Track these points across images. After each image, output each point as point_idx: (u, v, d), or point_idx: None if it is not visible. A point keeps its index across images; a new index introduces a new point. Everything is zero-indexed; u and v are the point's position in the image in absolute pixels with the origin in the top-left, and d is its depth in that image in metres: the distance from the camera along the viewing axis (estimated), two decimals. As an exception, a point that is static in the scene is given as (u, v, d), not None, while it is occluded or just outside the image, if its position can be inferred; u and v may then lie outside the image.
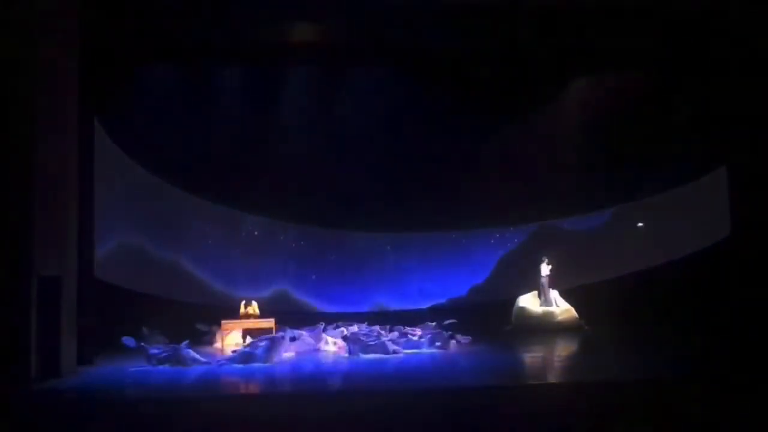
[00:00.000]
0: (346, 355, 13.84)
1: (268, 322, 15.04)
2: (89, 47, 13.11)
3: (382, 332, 15.39)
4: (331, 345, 14.84)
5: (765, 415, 8.52)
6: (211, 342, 15.67)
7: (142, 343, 13.72)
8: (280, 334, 14.37)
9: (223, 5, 14.91)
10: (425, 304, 19.10)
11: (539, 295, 18.50)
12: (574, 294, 18.51)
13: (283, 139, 18.31)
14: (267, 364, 12.75)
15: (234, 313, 15.64)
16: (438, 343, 14.65)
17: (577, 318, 18.05)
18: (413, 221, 19.13)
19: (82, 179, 12.85)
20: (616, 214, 19.61)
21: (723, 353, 13.18)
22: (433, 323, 16.48)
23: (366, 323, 16.33)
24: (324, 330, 15.47)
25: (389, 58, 18.00)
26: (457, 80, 18.34)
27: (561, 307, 18.26)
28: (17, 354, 10.97)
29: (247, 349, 13.40)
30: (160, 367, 12.58)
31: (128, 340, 13.98)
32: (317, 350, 14.69)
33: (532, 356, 14.09)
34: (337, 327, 15.71)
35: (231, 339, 15.08)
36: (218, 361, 13.07)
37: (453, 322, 16.46)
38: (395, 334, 15.44)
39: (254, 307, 15.60)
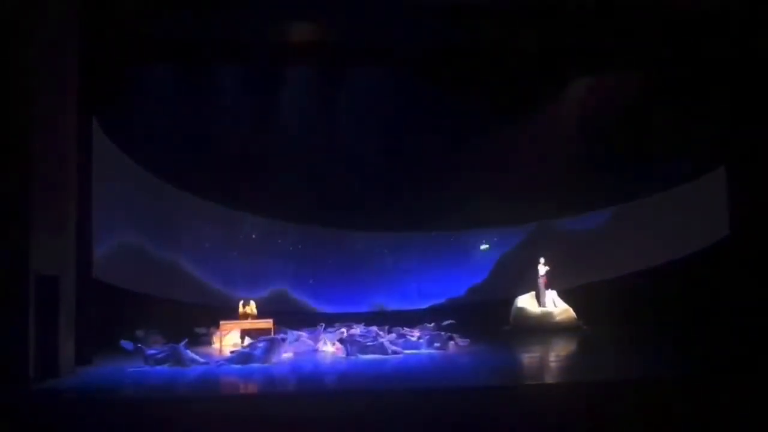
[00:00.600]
0: (345, 355, 13.82)
1: (267, 323, 15.02)
2: (88, 47, 13.09)
3: (381, 333, 15.37)
4: (330, 346, 14.83)
5: (765, 414, 8.51)
6: (209, 342, 15.66)
7: (140, 345, 13.72)
8: (280, 335, 14.36)
9: (223, 5, 14.90)
10: (424, 304, 19.11)
11: (536, 296, 18.51)
12: (573, 294, 18.52)
13: (282, 139, 18.31)
14: (265, 365, 12.73)
15: (233, 313, 15.62)
16: (437, 344, 14.64)
17: (575, 318, 18.07)
18: (412, 221, 19.14)
19: (80, 179, 12.84)
20: (615, 214, 19.61)
21: (722, 353, 13.17)
22: (431, 324, 16.48)
23: (364, 324, 16.31)
24: (323, 331, 15.47)
25: (389, 58, 17.98)
26: (457, 80, 18.33)
27: (559, 308, 18.29)
28: (16, 354, 10.95)
29: (246, 350, 13.39)
30: (159, 367, 12.56)
31: (126, 344, 14.01)
32: (316, 351, 14.68)
33: (530, 356, 14.09)
34: (337, 329, 15.68)
35: (229, 339, 15.07)
36: (217, 361, 13.06)
37: (451, 323, 16.46)
38: (393, 335, 15.44)
39: (252, 307, 15.59)
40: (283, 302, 18.33)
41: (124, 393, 10.85)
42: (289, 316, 16.93)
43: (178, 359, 12.70)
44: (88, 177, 13.32)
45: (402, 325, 16.35)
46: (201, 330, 16.01)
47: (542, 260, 18.65)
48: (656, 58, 17.53)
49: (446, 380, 11.43)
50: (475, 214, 19.08)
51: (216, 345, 15.16)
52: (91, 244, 13.67)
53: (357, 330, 15.54)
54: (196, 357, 12.97)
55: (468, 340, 15.31)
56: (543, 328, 17.72)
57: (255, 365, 12.67)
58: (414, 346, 14.70)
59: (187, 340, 13.49)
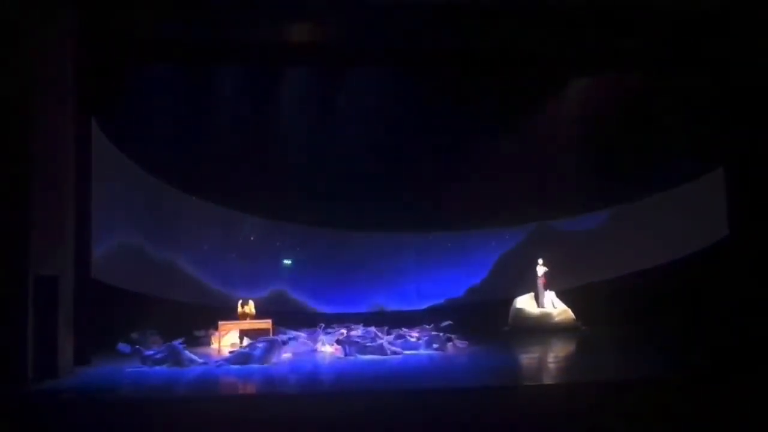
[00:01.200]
0: (343, 356, 13.81)
1: (265, 323, 15.00)
2: (87, 47, 13.07)
3: (379, 334, 15.36)
4: (329, 346, 14.82)
5: (765, 414, 8.50)
6: (208, 343, 15.65)
7: (138, 346, 13.72)
8: (280, 336, 14.36)
9: (222, 5, 14.87)
10: (423, 305, 19.09)
11: (535, 297, 18.51)
12: (572, 294, 18.51)
13: (281, 139, 18.31)
14: (264, 365, 12.72)
15: (232, 314, 15.60)
16: (435, 345, 14.63)
17: (574, 319, 18.06)
18: (411, 222, 19.12)
19: (79, 179, 12.83)
20: (614, 215, 19.60)
21: (722, 353, 13.15)
22: (430, 326, 16.47)
23: (363, 324, 16.30)
24: (322, 332, 15.47)
25: (389, 58, 17.96)
26: (456, 81, 18.32)
27: (558, 308, 18.29)
28: (14, 354, 10.95)
29: (245, 350, 13.39)
30: (157, 367, 12.55)
31: (123, 347, 14.03)
32: (314, 351, 14.67)
33: (529, 357, 14.08)
34: (337, 330, 15.66)
35: (228, 340, 15.06)
36: (215, 361, 13.05)
37: (449, 324, 16.44)
38: (392, 336, 15.45)
39: (251, 306, 15.58)
40: (282, 302, 18.31)
41: (122, 393, 10.84)
42: (288, 316, 16.92)
43: (176, 359, 12.69)
44: (87, 177, 13.31)
45: (401, 326, 16.34)
46: (200, 333, 16.01)
47: (540, 261, 18.65)
48: (656, 58, 17.52)
49: (445, 381, 11.43)
50: (475, 215, 19.07)
51: (215, 345, 15.14)
52: (90, 245, 13.66)
53: (357, 332, 15.52)
54: (195, 357, 12.96)
55: (466, 342, 15.29)
56: (542, 328, 17.71)
57: (254, 366, 12.66)
58: (413, 347, 14.70)
59: (183, 339, 13.47)
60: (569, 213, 19.69)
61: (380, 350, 13.90)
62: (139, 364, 12.76)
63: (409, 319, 17.47)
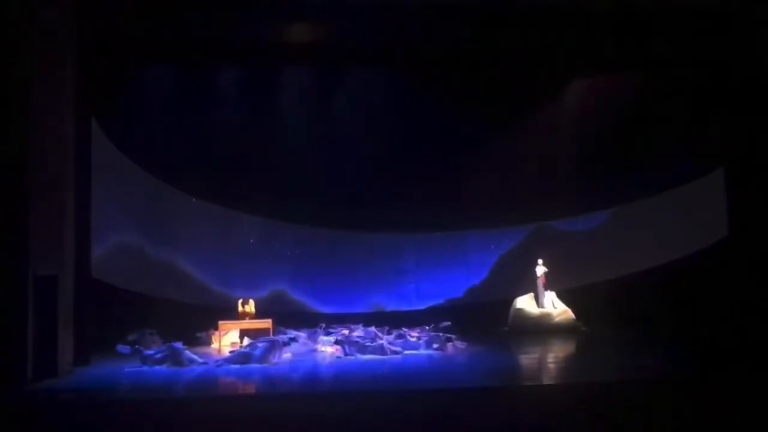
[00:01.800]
0: (343, 356, 13.81)
1: (266, 323, 15.00)
2: (87, 47, 13.07)
3: (379, 334, 15.37)
4: (329, 346, 14.81)
5: (765, 415, 8.50)
6: (208, 342, 15.65)
7: (138, 346, 13.74)
8: (280, 336, 14.36)
9: (222, 5, 14.88)
10: (423, 305, 19.07)
11: (535, 297, 18.51)
12: (572, 295, 18.50)
13: (281, 139, 18.31)
14: (264, 365, 12.72)
15: (232, 314, 15.59)
16: (435, 345, 14.63)
17: (574, 319, 18.05)
18: (411, 222, 19.11)
19: (79, 179, 12.83)
20: (614, 215, 19.59)
21: (722, 353, 13.15)
22: (430, 326, 16.45)
23: (362, 324, 16.30)
24: (323, 332, 15.46)
25: (389, 59, 17.98)
26: (456, 81, 18.33)
27: (558, 309, 18.27)
28: (14, 354, 10.95)
29: (245, 350, 13.39)
30: (157, 367, 12.55)
31: (123, 348, 14.05)
32: (315, 351, 14.66)
33: (529, 357, 14.07)
34: (338, 331, 15.64)
35: (228, 339, 15.05)
36: (216, 361, 13.04)
37: (448, 325, 16.42)
38: (392, 336, 15.45)
39: (251, 306, 15.57)
40: (282, 302, 18.30)
41: (122, 393, 10.83)
42: (288, 316, 16.91)
43: (176, 359, 12.69)
44: (86, 177, 13.31)
45: (401, 326, 16.33)
46: (201, 334, 16.01)
47: (540, 261, 18.64)
48: (656, 58, 17.52)
49: (445, 381, 11.44)
50: (475, 215, 19.07)
51: (215, 345, 15.14)
52: (90, 244, 13.65)
53: (358, 332, 15.52)
54: (195, 357, 12.97)
55: (466, 343, 15.27)
56: (542, 329, 17.69)
57: (254, 365, 12.66)
58: (413, 347, 14.70)
59: (182, 341, 13.47)
60: (569, 213, 19.67)
61: (380, 350, 13.90)
62: (139, 363, 12.76)
63: (409, 320, 17.45)
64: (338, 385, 11.36)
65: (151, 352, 13.15)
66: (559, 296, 18.47)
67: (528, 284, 18.67)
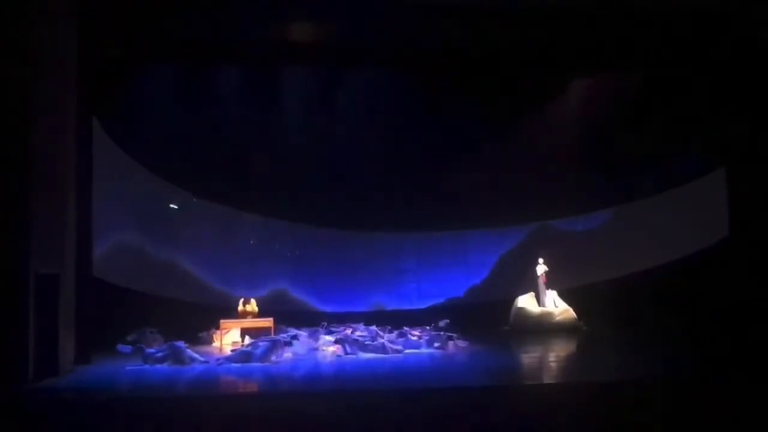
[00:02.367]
0: (344, 354, 13.83)
1: (267, 322, 15.01)
2: (88, 46, 13.08)
3: (380, 333, 15.38)
4: (330, 345, 14.82)
5: (764, 415, 8.51)
6: (209, 341, 15.67)
7: (140, 345, 13.75)
8: (281, 335, 14.37)
9: (223, 5, 14.89)
10: (424, 304, 19.09)
11: (536, 296, 18.52)
12: (574, 294, 18.51)
13: (282, 138, 18.34)
14: (265, 364, 12.73)
15: (233, 313, 15.61)
16: (436, 344, 14.65)
17: (575, 318, 18.06)
18: (412, 221, 19.13)
19: (80, 178, 12.84)
20: (615, 215, 19.61)
21: (722, 353, 13.16)
22: (430, 327, 16.46)
23: (363, 323, 16.32)
24: (324, 331, 15.48)
25: (389, 58, 17.99)
26: (457, 80, 18.35)
27: (559, 308, 18.28)
28: (15, 352, 10.95)
29: (246, 349, 13.41)
30: (158, 366, 12.57)
31: (124, 348, 14.07)
32: (316, 350, 14.68)
33: (530, 356, 14.08)
34: (340, 330, 15.65)
35: (229, 338, 15.07)
36: (217, 360, 13.06)
37: (446, 322, 16.45)
38: (393, 335, 15.47)
39: (252, 305, 15.58)
40: (283, 302, 18.32)
41: (123, 392, 10.84)
42: (289, 315, 16.92)
43: (177, 358, 12.71)
44: (88, 176, 13.32)
45: (402, 325, 16.35)
46: (203, 334, 16.02)
47: (541, 260, 18.66)
48: (656, 58, 17.53)
49: (446, 380, 11.44)
50: (475, 214, 19.09)
51: (216, 344, 15.15)
52: (91, 243, 13.66)
53: (359, 331, 15.52)
54: (196, 356, 12.99)
55: (467, 342, 15.28)
56: (543, 328, 17.71)
57: (255, 364, 12.68)
58: (414, 346, 14.72)
59: (184, 341, 13.49)
60: (570, 213, 19.70)
61: (381, 349, 13.92)
62: (141, 362, 12.78)
63: (410, 319, 17.47)
64: (339, 384, 11.37)
65: (153, 350, 13.17)
66: (560, 296, 18.48)
67: (529, 283, 18.69)
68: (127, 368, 12.42)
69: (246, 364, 12.68)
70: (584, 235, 19.59)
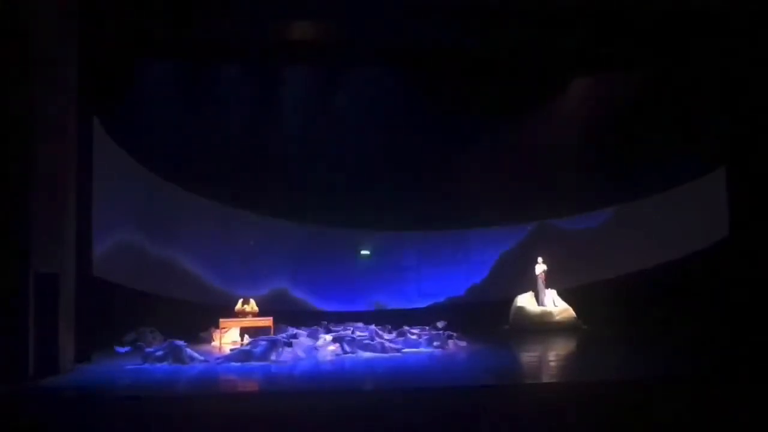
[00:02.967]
0: (344, 353, 13.84)
1: (266, 321, 15.02)
2: (88, 46, 13.08)
3: (380, 332, 15.39)
4: (329, 344, 14.82)
5: (764, 415, 8.51)
6: (209, 340, 15.68)
7: (139, 343, 13.76)
8: (281, 335, 14.38)
9: (223, 4, 14.90)
10: (424, 303, 19.10)
11: (536, 295, 18.53)
12: (573, 293, 18.52)
13: (282, 137, 18.35)
14: (265, 363, 12.74)
15: (233, 312, 15.60)
16: (436, 343, 14.65)
17: (575, 318, 18.08)
18: (412, 220, 19.15)
19: (80, 177, 12.83)
20: (615, 214, 19.62)
21: (722, 353, 13.17)
22: (429, 327, 16.48)
23: (362, 323, 16.32)
24: (324, 330, 15.48)
25: (389, 57, 18.01)
26: (457, 79, 18.36)
27: (559, 307, 18.29)
28: (15, 351, 10.97)
29: (246, 348, 13.42)
30: (158, 365, 12.58)
31: (121, 349, 14.09)
32: (315, 349, 14.68)
33: (529, 355, 14.08)
34: (341, 330, 15.66)
35: (229, 337, 15.08)
36: (216, 359, 13.07)
37: (444, 325, 16.45)
38: (393, 334, 15.48)
39: (252, 305, 15.58)
40: (283, 301, 18.34)
41: (123, 391, 10.84)
42: (289, 314, 16.93)
43: (177, 357, 12.71)
44: (88, 175, 13.32)
45: (402, 325, 16.36)
46: (202, 333, 16.03)
47: (540, 259, 18.67)
48: (656, 58, 17.53)
49: (445, 379, 11.45)
50: (475, 214, 19.10)
51: (215, 343, 15.16)
52: (91, 242, 13.67)
53: (359, 331, 15.52)
54: (196, 355, 13.00)
55: (466, 341, 15.28)
56: (542, 327, 17.72)
57: (254, 363, 12.69)
58: (413, 345, 14.73)
59: (184, 340, 13.50)
60: (570, 212, 19.71)
61: (380, 348, 13.93)
62: (140, 361, 12.79)
63: (410, 318, 17.48)
64: (338, 383, 11.37)
65: (152, 349, 13.18)
66: (560, 295, 18.49)
67: (529, 283, 18.70)
68: (127, 367, 12.43)
69: (245, 364, 12.68)
70: (584, 235, 19.60)
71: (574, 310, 18.15)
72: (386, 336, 15.27)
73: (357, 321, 16.57)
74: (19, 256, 11.13)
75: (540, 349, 14.84)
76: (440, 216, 19.08)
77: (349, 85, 18.65)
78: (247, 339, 14.56)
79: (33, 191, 11.37)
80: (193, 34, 16.16)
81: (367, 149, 18.57)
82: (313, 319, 16.87)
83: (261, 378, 11.63)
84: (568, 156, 19.12)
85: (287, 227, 19.10)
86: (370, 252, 19.18)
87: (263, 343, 13.25)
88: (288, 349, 13.97)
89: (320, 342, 14.90)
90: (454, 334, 15.35)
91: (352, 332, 15.29)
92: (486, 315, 18.50)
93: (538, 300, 18.48)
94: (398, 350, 14.08)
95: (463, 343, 15.10)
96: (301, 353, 13.87)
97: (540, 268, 18.61)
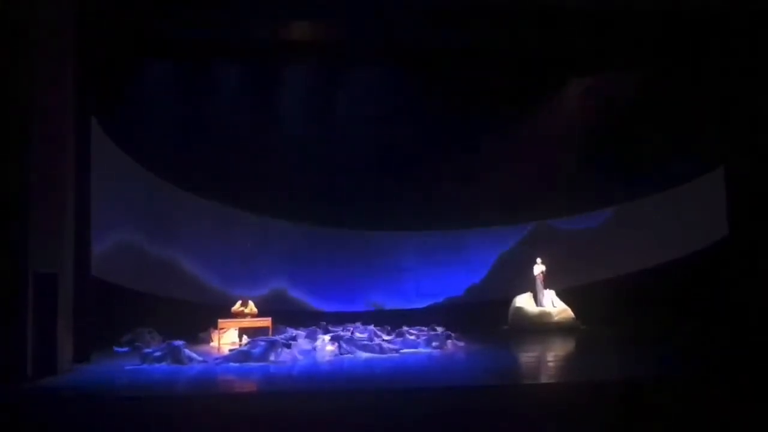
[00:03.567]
0: (342, 354, 13.83)
1: (265, 321, 15.01)
2: (87, 46, 13.08)
3: (378, 332, 15.38)
4: (328, 345, 14.82)
5: (764, 415, 8.50)
6: (207, 341, 15.66)
7: (138, 343, 13.74)
8: (281, 335, 14.36)
9: (223, 4, 14.89)
10: (422, 304, 19.08)
11: (534, 295, 18.52)
12: (572, 294, 18.51)
13: (281, 138, 18.34)
14: (263, 363, 12.73)
15: (231, 312, 15.59)
16: (434, 344, 14.64)
17: (573, 318, 18.07)
18: (411, 221, 19.13)
19: (79, 177, 12.84)
20: (615, 214, 19.61)
21: (722, 353, 13.15)
22: (426, 328, 16.46)
23: (360, 323, 16.31)
24: (323, 330, 15.48)
25: (388, 57, 18.01)
26: (456, 80, 18.35)
27: (557, 307, 18.28)
28: (14, 351, 10.96)
29: (244, 348, 13.40)
30: (157, 365, 12.57)
31: (120, 349, 14.08)
32: (314, 349, 14.67)
33: (528, 356, 14.07)
34: (340, 330, 15.65)
35: (227, 338, 15.06)
36: (215, 359, 13.06)
37: (442, 329, 16.42)
38: (392, 335, 15.46)
39: (251, 306, 15.55)
40: (282, 301, 18.32)
41: (122, 391, 10.82)
42: (288, 315, 16.92)
43: (175, 357, 12.70)
44: (86, 175, 13.31)
45: (401, 325, 16.34)
46: (204, 335, 16.02)
47: (539, 260, 18.66)
48: (655, 58, 17.53)
49: (444, 379, 11.43)
50: (475, 214, 19.09)
51: (214, 343, 15.14)
52: (90, 242, 13.66)
53: (358, 331, 15.51)
54: (194, 355, 12.99)
55: (464, 343, 15.26)
56: (541, 327, 17.71)
57: (253, 364, 12.67)
58: (412, 345, 14.71)
59: (184, 341, 13.49)
60: (569, 212, 19.71)
61: (379, 348, 13.92)
62: (139, 361, 12.77)
63: (409, 318, 17.46)
64: (337, 384, 11.36)
65: (151, 350, 13.16)
66: (559, 295, 18.49)
67: (527, 283, 18.69)
68: (126, 368, 12.42)
69: (244, 364, 12.67)
70: (584, 235, 19.59)
71: (574, 310, 18.14)
72: (385, 336, 15.25)
73: (356, 321, 16.54)
74: (17, 255, 11.11)
75: (539, 349, 14.83)
76: (439, 216, 19.06)
77: (348, 86, 18.63)
78: (245, 339, 14.54)
79: (32, 191, 11.35)
80: (193, 34, 16.16)
81: (366, 149, 18.55)
82: (311, 320, 16.85)
83: (259, 378, 11.61)
84: (567, 156, 19.10)
85: (286, 227, 19.07)
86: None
87: (262, 343, 13.24)
88: (286, 351, 13.97)
89: (319, 342, 14.89)
90: (453, 335, 15.33)
91: (351, 333, 15.29)
92: (485, 315, 18.49)
93: (537, 300, 18.48)
94: (396, 351, 14.06)
95: (461, 344, 15.08)
96: (299, 353, 13.86)
97: (538, 268, 18.60)
